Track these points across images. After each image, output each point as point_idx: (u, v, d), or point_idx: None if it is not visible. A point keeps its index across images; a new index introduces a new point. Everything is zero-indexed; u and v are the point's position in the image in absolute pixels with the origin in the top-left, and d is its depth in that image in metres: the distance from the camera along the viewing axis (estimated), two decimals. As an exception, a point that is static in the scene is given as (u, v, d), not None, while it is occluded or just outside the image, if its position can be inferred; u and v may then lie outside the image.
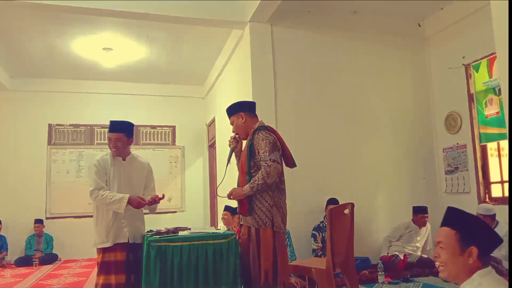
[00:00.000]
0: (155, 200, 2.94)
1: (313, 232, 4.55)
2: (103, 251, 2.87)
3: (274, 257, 2.72)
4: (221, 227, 4.76)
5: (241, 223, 2.90)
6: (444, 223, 1.54)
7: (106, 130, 7.55)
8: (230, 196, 2.82)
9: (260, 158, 2.69)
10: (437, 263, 1.54)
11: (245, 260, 2.80)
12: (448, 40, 5.25)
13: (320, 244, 4.41)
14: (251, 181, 2.69)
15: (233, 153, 2.96)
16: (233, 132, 2.96)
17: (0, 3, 4.27)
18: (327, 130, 5.01)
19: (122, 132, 3.01)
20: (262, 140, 2.72)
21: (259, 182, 2.65)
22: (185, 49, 6.26)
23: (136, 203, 2.87)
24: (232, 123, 2.97)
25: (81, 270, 6.02)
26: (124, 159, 3.04)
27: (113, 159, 3.00)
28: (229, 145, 2.97)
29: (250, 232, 2.76)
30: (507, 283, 1.47)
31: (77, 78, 7.44)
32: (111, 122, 3.05)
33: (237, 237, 2.91)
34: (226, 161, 2.98)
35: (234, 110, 2.96)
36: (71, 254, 7.05)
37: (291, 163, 2.92)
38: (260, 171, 2.67)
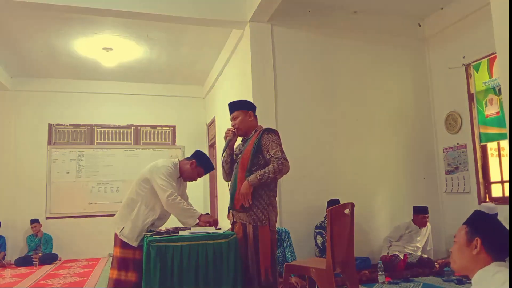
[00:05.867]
0: None
1: (319, 230, 4.53)
2: (125, 246, 2.90)
3: (272, 255, 2.75)
4: (221, 227, 4.76)
5: (234, 220, 2.90)
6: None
7: (106, 130, 7.63)
8: (240, 195, 2.75)
9: (271, 156, 2.75)
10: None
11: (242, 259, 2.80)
12: (448, 40, 5.25)
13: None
14: (260, 173, 2.70)
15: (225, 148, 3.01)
16: (233, 126, 2.96)
17: (0, 3, 4.27)
18: (327, 129, 5.01)
19: None
20: (273, 141, 2.80)
21: (270, 175, 2.69)
22: (185, 49, 6.26)
23: (205, 222, 2.94)
24: (235, 118, 2.96)
25: (81, 270, 6.01)
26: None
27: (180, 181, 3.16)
28: (225, 137, 2.97)
29: (246, 230, 2.77)
30: None
31: (77, 78, 7.44)
32: (210, 161, 3.24)
33: None
34: (221, 154, 3.04)
35: (245, 106, 2.99)
36: (71, 254, 7.03)
37: None
38: (271, 165, 2.71)
